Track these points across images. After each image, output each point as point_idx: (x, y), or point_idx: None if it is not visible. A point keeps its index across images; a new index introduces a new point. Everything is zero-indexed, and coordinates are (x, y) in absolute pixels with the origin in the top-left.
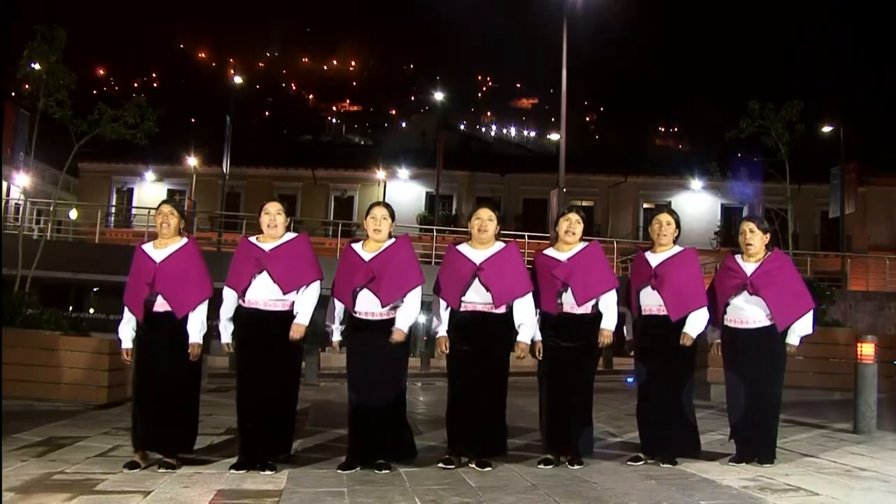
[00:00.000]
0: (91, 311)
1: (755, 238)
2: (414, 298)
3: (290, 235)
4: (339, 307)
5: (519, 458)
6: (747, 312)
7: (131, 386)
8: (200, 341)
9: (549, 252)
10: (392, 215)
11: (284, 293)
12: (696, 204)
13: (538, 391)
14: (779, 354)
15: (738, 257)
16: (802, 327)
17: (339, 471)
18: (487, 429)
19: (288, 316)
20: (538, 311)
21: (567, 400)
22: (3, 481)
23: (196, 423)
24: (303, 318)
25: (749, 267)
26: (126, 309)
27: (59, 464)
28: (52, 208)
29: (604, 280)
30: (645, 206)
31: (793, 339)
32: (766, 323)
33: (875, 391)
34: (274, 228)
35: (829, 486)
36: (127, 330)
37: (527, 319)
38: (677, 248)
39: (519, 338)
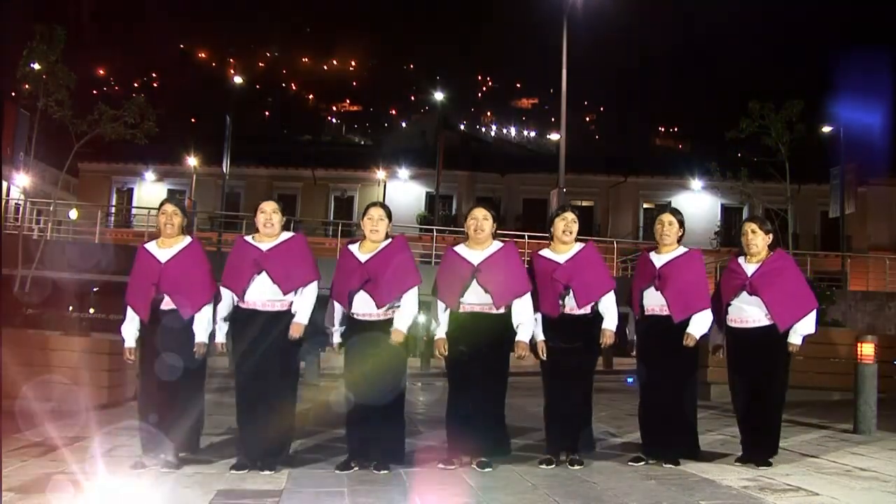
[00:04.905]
0: (91, 311)
1: (757, 238)
2: (411, 299)
3: (287, 235)
4: (338, 309)
5: (519, 458)
6: (747, 312)
7: (138, 384)
8: (207, 340)
9: (547, 253)
10: (389, 216)
11: (284, 293)
12: (696, 204)
13: (543, 392)
14: (781, 354)
15: (740, 259)
16: (804, 327)
17: (336, 471)
18: (487, 430)
19: (286, 315)
20: (538, 312)
21: (568, 400)
22: (3, 481)
23: (200, 422)
24: (302, 317)
25: (750, 268)
26: (129, 308)
27: (59, 464)
28: (52, 208)
29: (603, 281)
30: (645, 206)
31: (794, 338)
32: (767, 322)
33: (875, 391)
34: (270, 227)
35: (829, 486)
36: (130, 329)
37: (526, 318)
38: (682, 249)
39: (518, 337)
